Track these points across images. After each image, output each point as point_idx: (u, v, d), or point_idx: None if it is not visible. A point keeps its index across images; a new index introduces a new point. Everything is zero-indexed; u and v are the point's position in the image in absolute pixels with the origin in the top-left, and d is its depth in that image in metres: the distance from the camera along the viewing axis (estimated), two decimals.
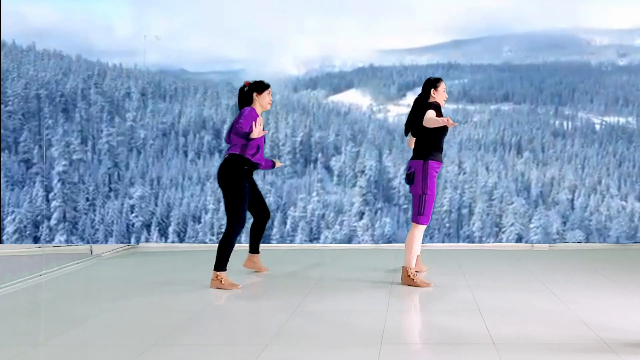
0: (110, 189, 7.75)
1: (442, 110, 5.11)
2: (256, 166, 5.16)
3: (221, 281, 4.96)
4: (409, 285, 4.99)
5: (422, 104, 5.06)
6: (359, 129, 7.93)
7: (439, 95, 5.09)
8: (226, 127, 7.72)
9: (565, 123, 7.85)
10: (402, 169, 7.62)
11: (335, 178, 7.82)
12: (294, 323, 3.87)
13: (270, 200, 7.65)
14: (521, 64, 7.91)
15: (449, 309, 4.26)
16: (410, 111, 5.18)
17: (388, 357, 3.18)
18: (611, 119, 7.82)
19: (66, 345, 3.50)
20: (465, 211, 7.67)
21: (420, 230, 5.03)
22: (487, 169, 7.73)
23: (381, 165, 7.83)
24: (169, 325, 3.82)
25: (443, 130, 4.96)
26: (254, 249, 5.66)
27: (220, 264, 4.99)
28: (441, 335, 3.60)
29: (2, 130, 7.50)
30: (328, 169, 7.90)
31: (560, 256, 6.56)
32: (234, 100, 7.77)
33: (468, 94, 8.03)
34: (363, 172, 7.80)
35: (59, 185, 7.65)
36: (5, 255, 6.91)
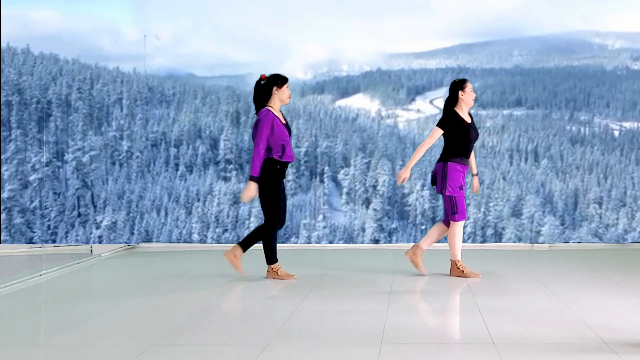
0: (79, 215, 6.91)
1: (471, 111, 5.45)
2: (287, 165, 5.19)
3: (277, 272, 5.25)
4: (458, 276, 5.31)
5: (446, 109, 5.33)
6: (368, 137, 7.58)
7: (467, 96, 5.28)
8: (223, 136, 7.33)
9: (582, 129, 7.58)
10: (419, 184, 7.34)
11: (344, 196, 7.39)
12: (294, 323, 3.87)
13: None
14: (532, 67, 7.67)
15: (449, 309, 4.26)
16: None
17: (388, 357, 3.18)
18: (630, 125, 7.56)
19: (66, 345, 3.50)
20: (490, 232, 7.36)
21: (458, 227, 5.30)
22: (504, 178, 7.41)
23: (394, 178, 7.42)
24: (169, 325, 3.82)
25: (464, 135, 5.22)
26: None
27: (269, 257, 5.25)
28: (441, 335, 3.60)
29: None
30: (336, 181, 7.45)
31: (560, 256, 6.55)
32: (234, 107, 7.46)
33: (480, 98, 7.69)
34: (375, 187, 7.39)
35: (3, 215, 6.76)
36: (5, 255, 6.90)
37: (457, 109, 5.30)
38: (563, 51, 7.71)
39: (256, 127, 5.03)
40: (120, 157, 7.13)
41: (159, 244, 7.30)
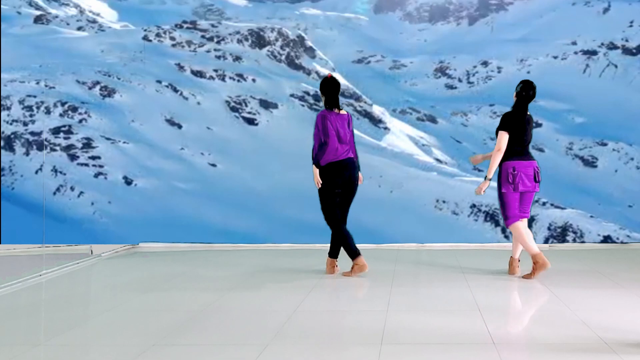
0: None
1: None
2: (342, 163, 5.27)
3: (334, 267, 5.51)
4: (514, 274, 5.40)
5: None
6: None
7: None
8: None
9: None
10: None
11: None
12: (294, 323, 3.88)
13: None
14: None
15: (449, 309, 4.26)
16: None
17: (388, 357, 3.18)
18: None
19: (66, 345, 3.50)
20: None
21: (516, 228, 5.23)
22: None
23: None
24: (169, 325, 3.83)
25: (516, 133, 5.18)
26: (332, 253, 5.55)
27: (335, 252, 5.49)
28: (441, 335, 3.60)
29: None
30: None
31: (560, 256, 6.55)
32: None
33: None
34: None
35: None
36: (5, 255, 6.90)
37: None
38: None
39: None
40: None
41: (160, 243, 7.29)
